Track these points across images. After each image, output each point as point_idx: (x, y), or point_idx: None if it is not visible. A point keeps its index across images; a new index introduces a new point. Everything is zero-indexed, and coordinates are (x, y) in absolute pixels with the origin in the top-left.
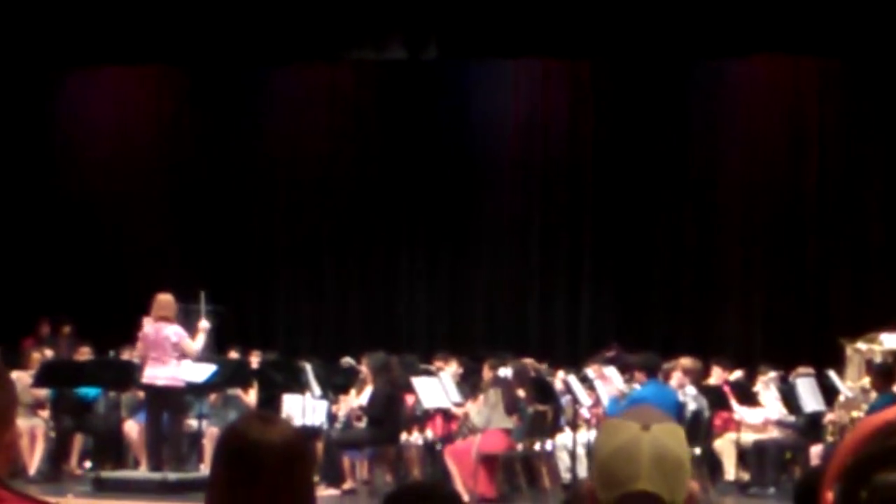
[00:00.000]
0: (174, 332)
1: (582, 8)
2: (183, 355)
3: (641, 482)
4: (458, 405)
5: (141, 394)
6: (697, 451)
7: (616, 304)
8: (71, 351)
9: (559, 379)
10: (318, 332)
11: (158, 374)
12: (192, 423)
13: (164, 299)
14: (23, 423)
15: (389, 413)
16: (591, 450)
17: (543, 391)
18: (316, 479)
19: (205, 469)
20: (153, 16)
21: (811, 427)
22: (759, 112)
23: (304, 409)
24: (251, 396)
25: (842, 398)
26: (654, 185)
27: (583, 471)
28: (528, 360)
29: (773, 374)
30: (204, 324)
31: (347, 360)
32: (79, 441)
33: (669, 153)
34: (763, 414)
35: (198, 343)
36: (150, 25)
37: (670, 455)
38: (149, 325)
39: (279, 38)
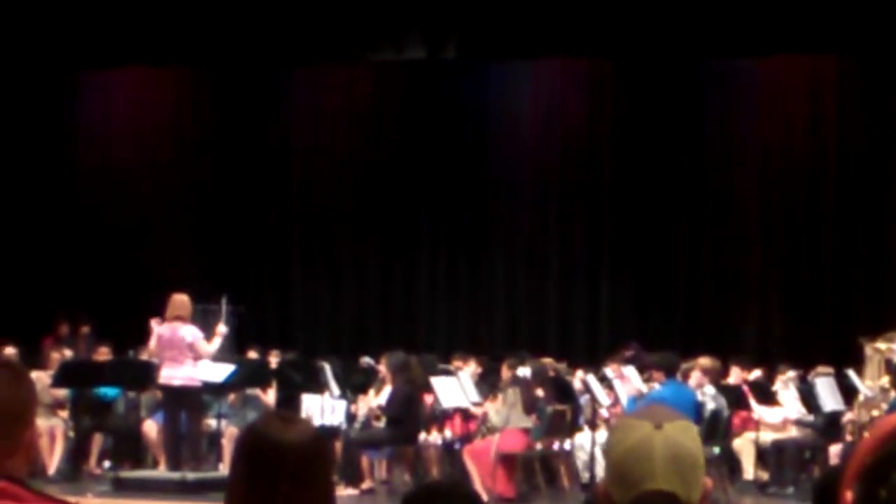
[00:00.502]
0: (190, 332)
1: (601, 8)
2: (198, 356)
3: (656, 481)
4: (477, 405)
5: (160, 394)
6: (716, 450)
7: (635, 304)
8: (90, 351)
9: (578, 378)
10: (337, 331)
11: (175, 374)
12: (211, 422)
13: (179, 299)
14: (42, 422)
15: (408, 413)
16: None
17: (562, 391)
18: (335, 478)
19: (224, 469)
20: (173, 17)
21: (830, 426)
22: (777, 111)
23: (322, 408)
24: (270, 396)
25: (861, 397)
26: (672, 185)
27: (601, 470)
28: (547, 360)
29: (791, 373)
30: (222, 328)
31: (366, 360)
32: (98, 441)
33: (688, 152)
34: (782, 413)
35: (213, 346)
36: (169, 26)
37: (684, 453)
38: (164, 326)
39: (299, 39)
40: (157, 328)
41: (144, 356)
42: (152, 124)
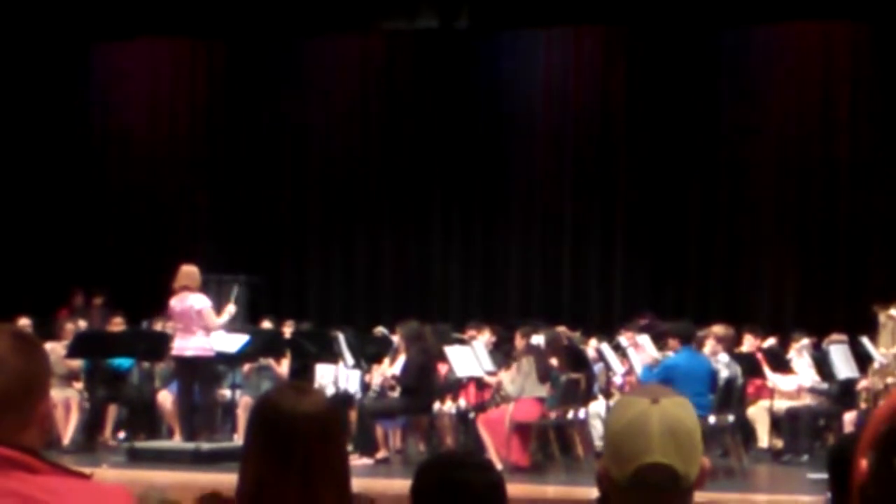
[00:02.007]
0: (199, 300)
1: None
2: (205, 325)
3: (653, 454)
4: (491, 374)
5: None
6: (730, 418)
7: (649, 272)
8: (104, 322)
9: (592, 347)
10: (352, 301)
11: (186, 344)
12: (226, 392)
13: (187, 269)
14: (57, 393)
15: (422, 382)
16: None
17: (576, 359)
18: (349, 448)
19: (238, 439)
20: None
21: (844, 394)
22: (790, 78)
23: (336, 378)
24: (284, 366)
25: (875, 365)
26: (686, 153)
27: None
28: (561, 329)
29: (806, 340)
30: (231, 308)
31: (380, 330)
32: (112, 411)
33: (701, 121)
34: (796, 381)
35: (221, 319)
36: None
37: (681, 426)
38: (174, 298)
39: (312, 9)
40: (171, 301)
41: (159, 327)
42: (166, 97)
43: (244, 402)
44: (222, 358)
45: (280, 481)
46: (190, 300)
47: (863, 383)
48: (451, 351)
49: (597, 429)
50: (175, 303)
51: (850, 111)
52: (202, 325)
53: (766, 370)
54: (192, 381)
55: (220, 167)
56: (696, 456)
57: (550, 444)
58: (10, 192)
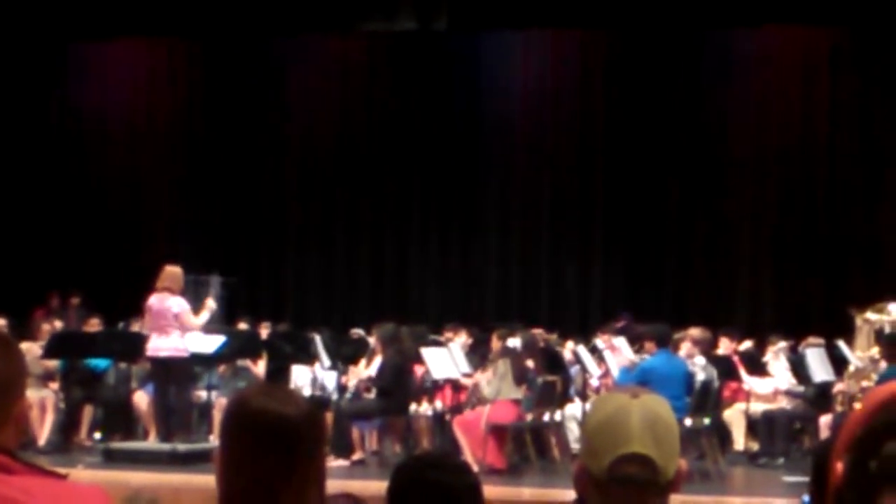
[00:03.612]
0: (177, 303)
1: None
2: (184, 328)
3: (633, 444)
4: (468, 376)
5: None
6: (706, 421)
7: (626, 275)
8: (80, 322)
9: (568, 349)
10: (328, 302)
11: (161, 345)
12: (202, 393)
13: (170, 271)
14: (33, 394)
15: (399, 384)
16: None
17: (552, 361)
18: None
19: (214, 440)
20: None
21: (820, 397)
22: (770, 82)
23: (313, 379)
24: (260, 367)
25: (851, 368)
26: (664, 156)
27: None
28: (538, 331)
29: (782, 343)
30: (211, 303)
31: (357, 331)
32: (88, 412)
33: (680, 124)
34: (772, 384)
35: (200, 319)
36: None
37: (661, 420)
38: (153, 297)
39: (291, 10)
40: (150, 298)
41: (136, 328)
42: (144, 97)
43: (220, 403)
44: (199, 359)
45: (262, 484)
46: (169, 302)
47: (839, 387)
48: (427, 352)
49: (573, 431)
50: (154, 301)
51: (829, 116)
52: (178, 326)
53: (743, 373)
54: (167, 381)
55: (197, 168)
56: (674, 451)
57: (526, 447)
58: None
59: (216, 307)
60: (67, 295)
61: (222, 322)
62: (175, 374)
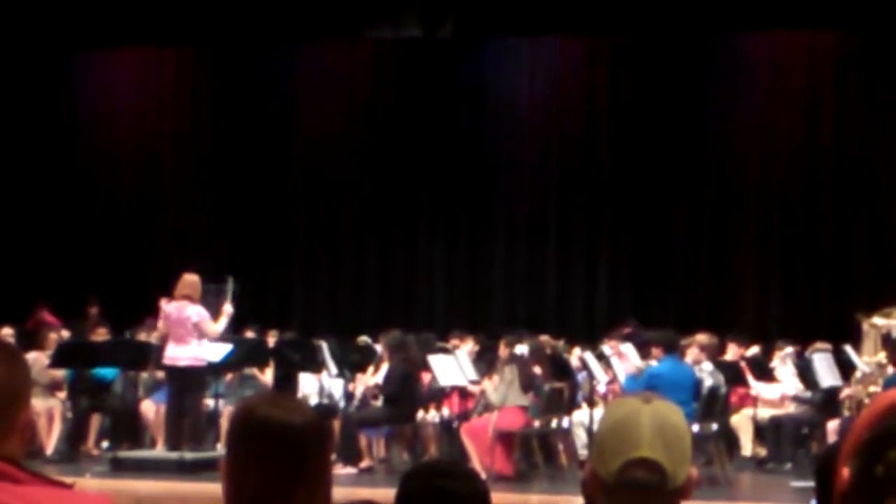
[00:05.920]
0: (195, 311)
1: None
2: (203, 336)
3: (643, 449)
4: (475, 383)
5: (158, 374)
6: (714, 427)
7: (633, 281)
8: (89, 332)
9: (575, 356)
10: (336, 310)
11: (180, 353)
12: (209, 402)
13: (189, 279)
14: (40, 403)
15: (406, 391)
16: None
17: (559, 368)
18: (333, 457)
19: (221, 448)
20: None
21: (828, 402)
22: (776, 87)
23: (320, 387)
24: (267, 375)
25: (858, 373)
26: (671, 162)
27: None
28: (544, 338)
29: (789, 349)
30: (228, 308)
31: (364, 339)
32: (96, 421)
33: (686, 129)
34: (780, 389)
35: (219, 325)
36: (170, 6)
37: (671, 426)
38: (171, 305)
39: (298, 18)
40: (165, 307)
41: (154, 336)
42: (153, 104)
43: (227, 411)
44: (208, 367)
45: (268, 493)
46: (188, 311)
47: (846, 392)
48: (434, 360)
49: (580, 438)
50: (172, 310)
51: (835, 120)
52: (197, 335)
53: (750, 379)
54: (182, 390)
55: (206, 175)
56: (684, 458)
57: (534, 453)
58: None
59: (233, 310)
60: (86, 304)
61: (229, 330)
62: (191, 383)
